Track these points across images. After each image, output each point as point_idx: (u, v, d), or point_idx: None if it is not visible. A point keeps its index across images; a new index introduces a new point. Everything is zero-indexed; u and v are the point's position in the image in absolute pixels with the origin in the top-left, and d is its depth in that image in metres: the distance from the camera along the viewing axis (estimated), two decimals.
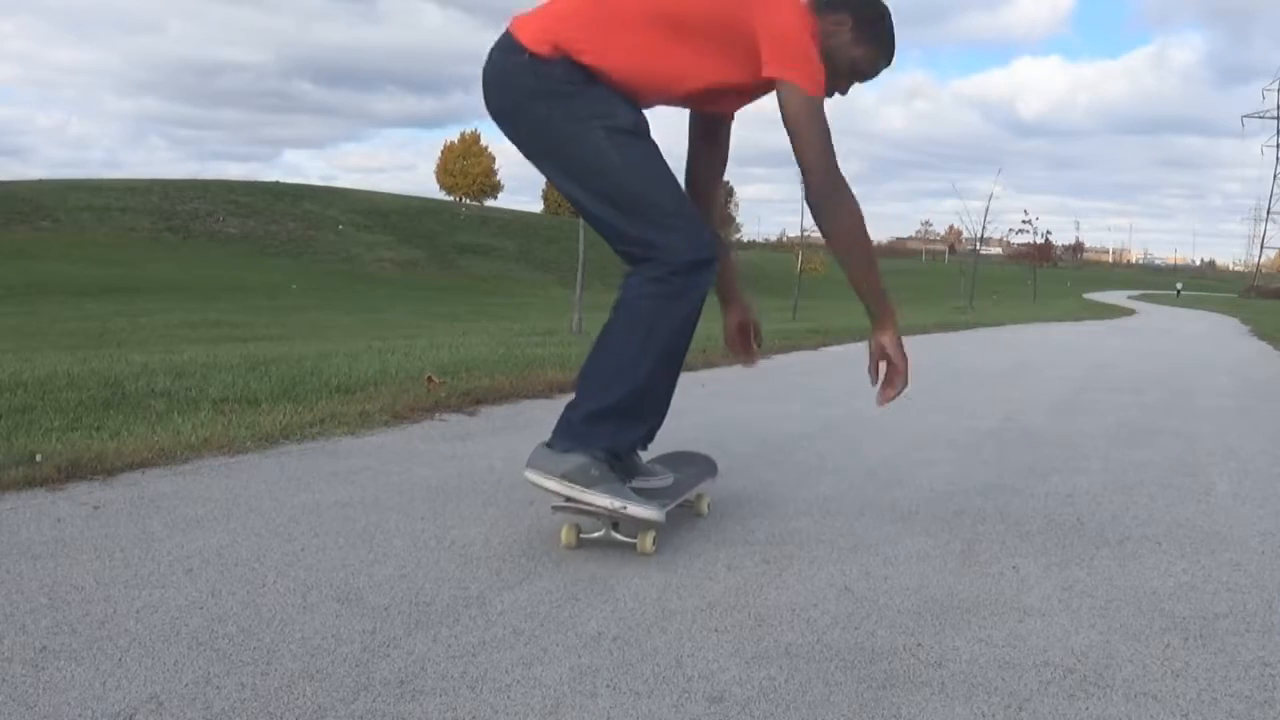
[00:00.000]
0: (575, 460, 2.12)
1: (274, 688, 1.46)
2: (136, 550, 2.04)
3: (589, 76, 2.12)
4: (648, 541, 2.15)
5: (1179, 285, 74.37)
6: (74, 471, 2.56)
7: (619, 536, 2.18)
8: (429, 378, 4.37)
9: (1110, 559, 2.26)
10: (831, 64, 2.18)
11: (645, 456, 2.39)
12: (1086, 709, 1.49)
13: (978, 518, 2.58)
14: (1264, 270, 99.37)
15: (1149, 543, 2.41)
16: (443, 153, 75.12)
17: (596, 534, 2.19)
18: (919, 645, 1.71)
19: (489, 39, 2.27)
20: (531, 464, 2.16)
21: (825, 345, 8.56)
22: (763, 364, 6.84)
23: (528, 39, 2.14)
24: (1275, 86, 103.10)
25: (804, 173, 2.10)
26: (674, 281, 2.11)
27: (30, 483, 2.47)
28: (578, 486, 2.10)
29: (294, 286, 32.49)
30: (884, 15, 2.28)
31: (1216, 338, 14.80)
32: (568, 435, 2.17)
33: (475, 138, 75.29)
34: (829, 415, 4.33)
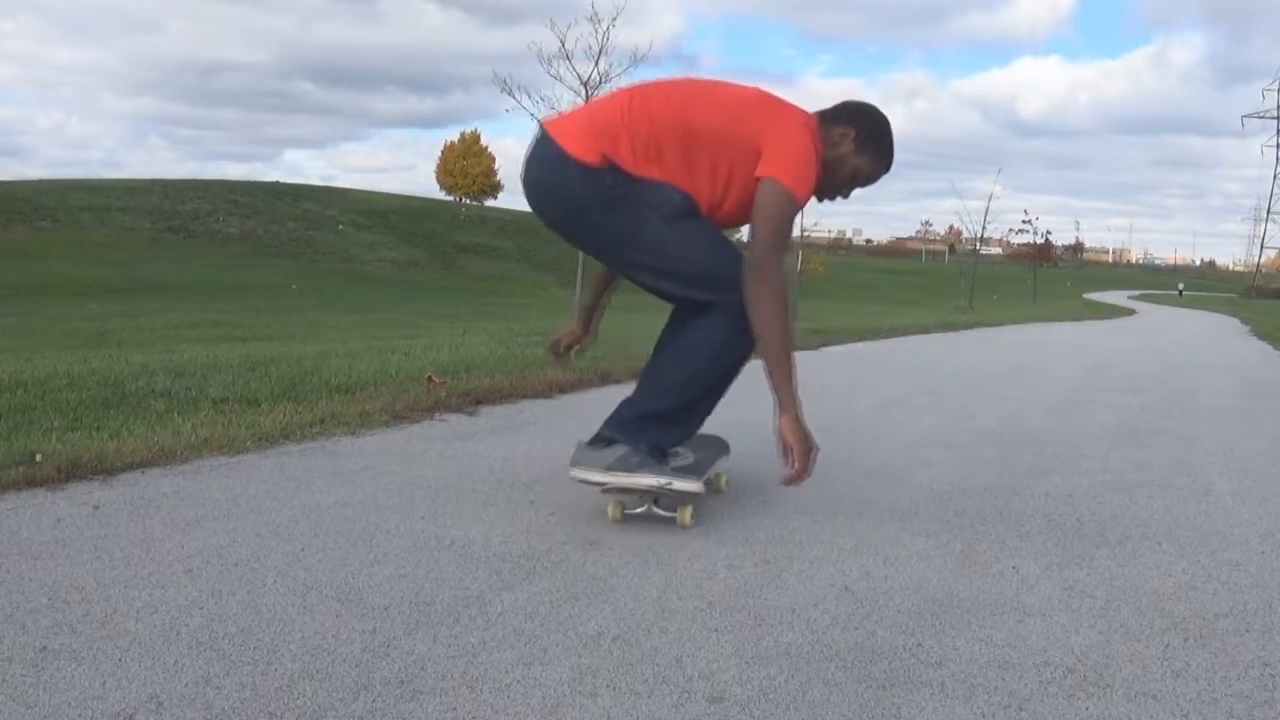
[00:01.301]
0: (617, 452, 2.37)
1: (274, 688, 1.46)
2: (136, 550, 2.04)
3: (634, 179, 2.31)
4: (686, 515, 2.41)
5: (1181, 285, 74.32)
6: (74, 471, 2.56)
7: (660, 511, 2.42)
8: (429, 378, 4.37)
9: (1110, 559, 2.26)
10: (835, 171, 2.42)
11: None
12: (1086, 709, 1.49)
13: (978, 518, 2.58)
14: (1264, 270, 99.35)
15: (1149, 543, 2.41)
16: (443, 153, 75.06)
17: (640, 509, 2.43)
18: (919, 645, 1.71)
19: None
20: (576, 463, 2.40)
21: (825, 345, 8.56)
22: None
23: (576, 150, 2.30)
24: (1275, 86, 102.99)
25: (751, 246, 2.28)
26: (740, 325, 2.34)
27: (30, 483, 2.47)
28: (623, 474, 2.35)
29: (294, 286, 32.48)
30: (885, 129, 2.48)
31: (1216, 338, 14.80)
32: (617, 427, 2.42)
33: (475, 138, 75.24)
34: (829, 415, 4.33)
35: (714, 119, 2.31)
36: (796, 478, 2.29)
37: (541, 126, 2.43)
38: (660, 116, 2.31)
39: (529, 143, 2.45)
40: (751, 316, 2.29)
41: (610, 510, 2.42)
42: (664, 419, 2.42)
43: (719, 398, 2.51)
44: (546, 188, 2.38)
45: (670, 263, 2.34)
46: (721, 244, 2.37)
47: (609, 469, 2.35)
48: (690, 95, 2.37)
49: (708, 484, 2.52)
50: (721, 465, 2.65)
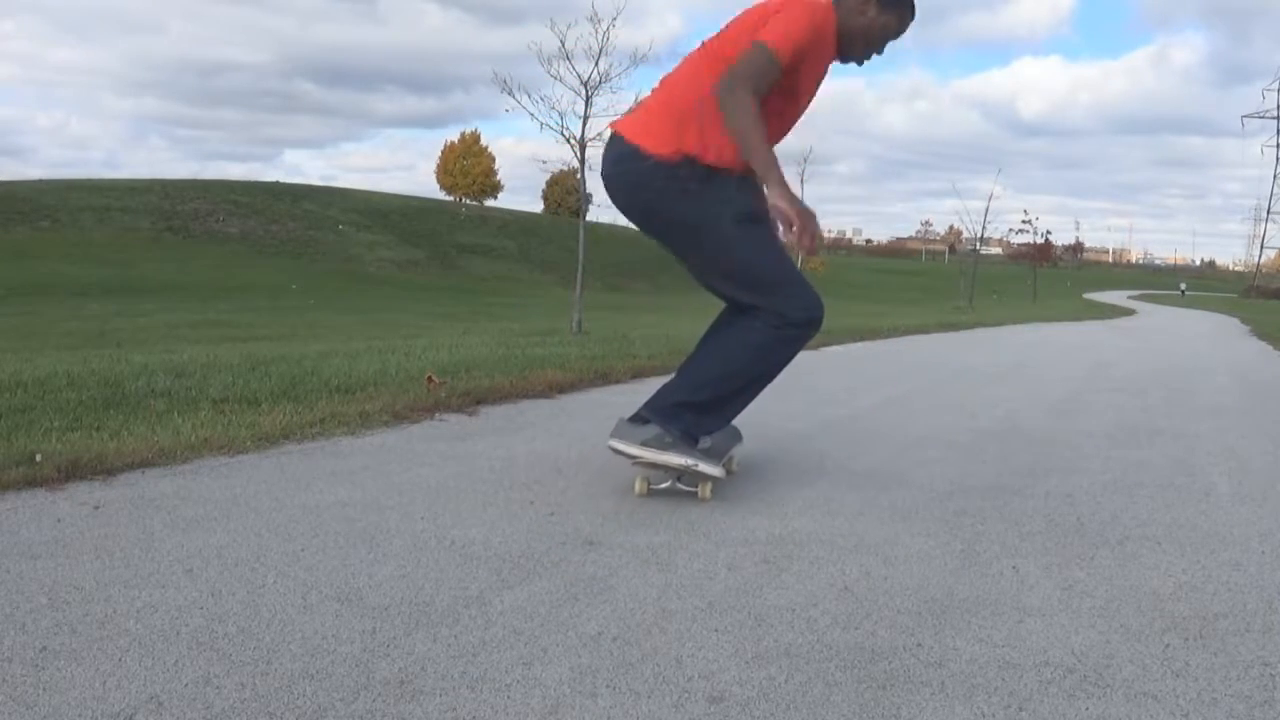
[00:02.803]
0: (652, 430, 2.58)
1: (274, 688, 1.46)
2: (136, 550, 2.04)
3: (710, 172, 2.47)
4: (706, 490, 2.63)
5: (1183, 285, 74.27)
6: (74, 471, 2.56)
7: (683, 486, 2.65)
8: (429, 378, 4.37)
9: (1110, 559, 2.26)
10: (867, 36, 2.59)
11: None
12: (1086, 709, 1.49)
13: (978, 518, 2.58)
14: (1264, 270, 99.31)
15: (1149, 543, 2.41)
16: (443, 153, 75.02)
17: (664, 485, 2.66)
18: (919, 645, 1.71)
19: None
20: (615, 434, 2.63)
21: (825, 345, 8.56)
22: None
23: (652, 145, 2.48)
24: (1275, 86, 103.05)
25: (728, 73, 2.41)
26: (788, 331, 2.57)
27: (30, 483, 2.47)
28: (655, 450, 2.57)
29: (294, 286, 32.47)
30: None
31: (1216, 338, 14.80)
32: (654, 410, 2.62)
33: (475, 138, 75.21)
34: (829, 415, 4.33)
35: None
36: (807, 243, 2.38)
37: (612, 129, 2.61)
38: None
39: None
40: (728, 126, 2.40)
41: (637, 485, 2.66)
42: (698, 409, 2.60)
43: (754, 397, 2.68)
44: (623, 180, 2.56)
45: (729, 263, 2.53)
46: (778, 256, 2.57)
47: (644, 444, 2.57)
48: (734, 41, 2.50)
49: (724, 465, 2.72)
50: (735, 450, 2.88)
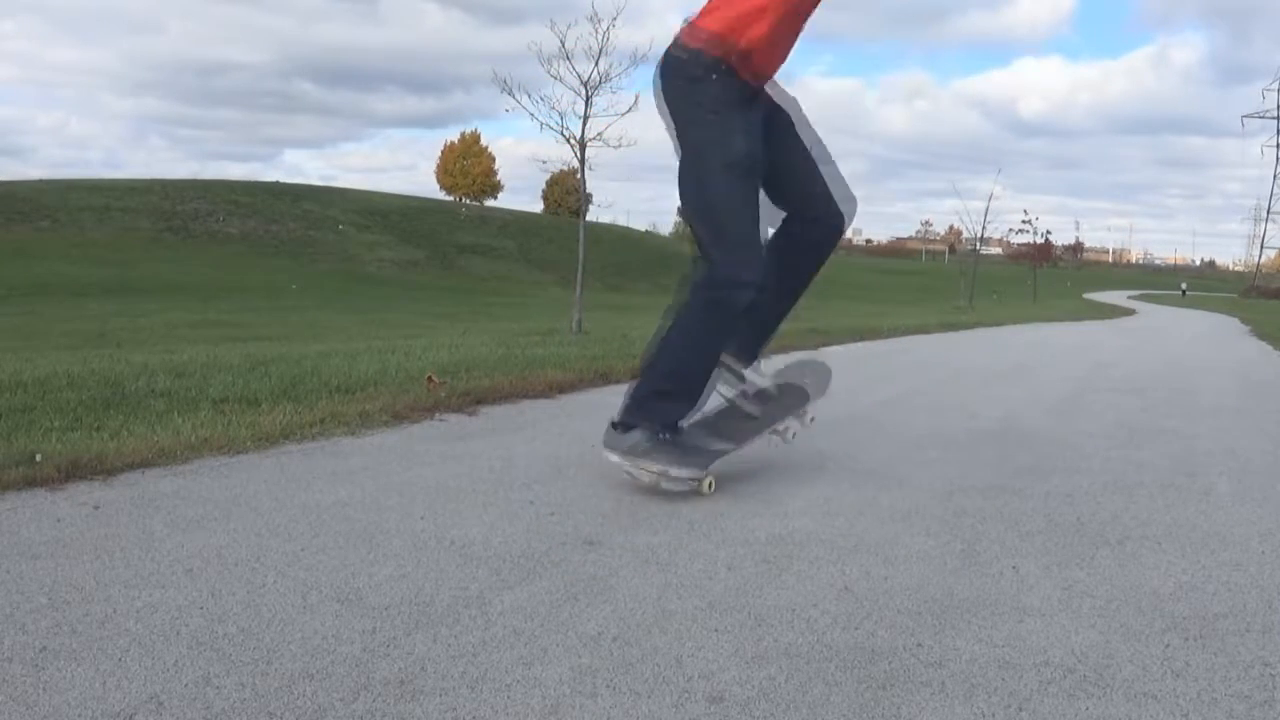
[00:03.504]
0: (631, 438, 2.65)
1: (274, 688, 1.46)
2: (136, 550, 2.04)
3: (734, 95, 2.53)
4: (705, 486, 2.69)
5: (1184, 285, 74.27)
6: (74, 471, 2.56)
7: (670, 488, 2.66)
8: (429, 378, 4.37)
9: (1110, 559, 2.26)
10: None
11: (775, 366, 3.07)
12: (1086, 709, 1.49)
13: (978, 518, 2.58)
14: (1264, 270, 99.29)
15: (1149, 543, 2.41)
16: (443, 153, 75.05)
17: (674, 487, 2.67)
18: (919, 645, 1.71)
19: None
20: (605, 444, 2.71)
21: (825, 345, 8.56)
22: (763, 364, 6.83)
23: (707, 24, 2.54)
24: (1275, 86, 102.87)
25: None
26: (713, 293, 2.58)
27: (30, 483, 2.47)
28: (630, 459, 2.65)
29: (294, 286, 32.47)
30: None
31: (1216, 338, 14.80)
32: (632, 409, 2.70)
33: (475, 138, 75.24)
34: (828, 415, 4.33)
35: None
36: None
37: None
38: None
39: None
40: None
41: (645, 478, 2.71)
42: (666, 396, 2.69)
43: (704, 365, 2.74)
44: (667, 67, 2.61)
45: (699, 198, 2.60)
46: (744, 215, 2.58)
47: (624, 454, 2.65)
48: None
49: (775, 434, 2.88)
50: (790, 420, 2.94)
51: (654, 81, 2.66)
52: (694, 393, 2.73)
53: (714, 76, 2.52)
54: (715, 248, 2.59)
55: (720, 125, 2.55)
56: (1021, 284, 49.03)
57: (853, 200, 2.82)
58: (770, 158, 2.63)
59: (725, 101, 2.54)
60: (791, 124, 2.73)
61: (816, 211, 2.79)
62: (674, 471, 2.62)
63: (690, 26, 2.59)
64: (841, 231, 2.84)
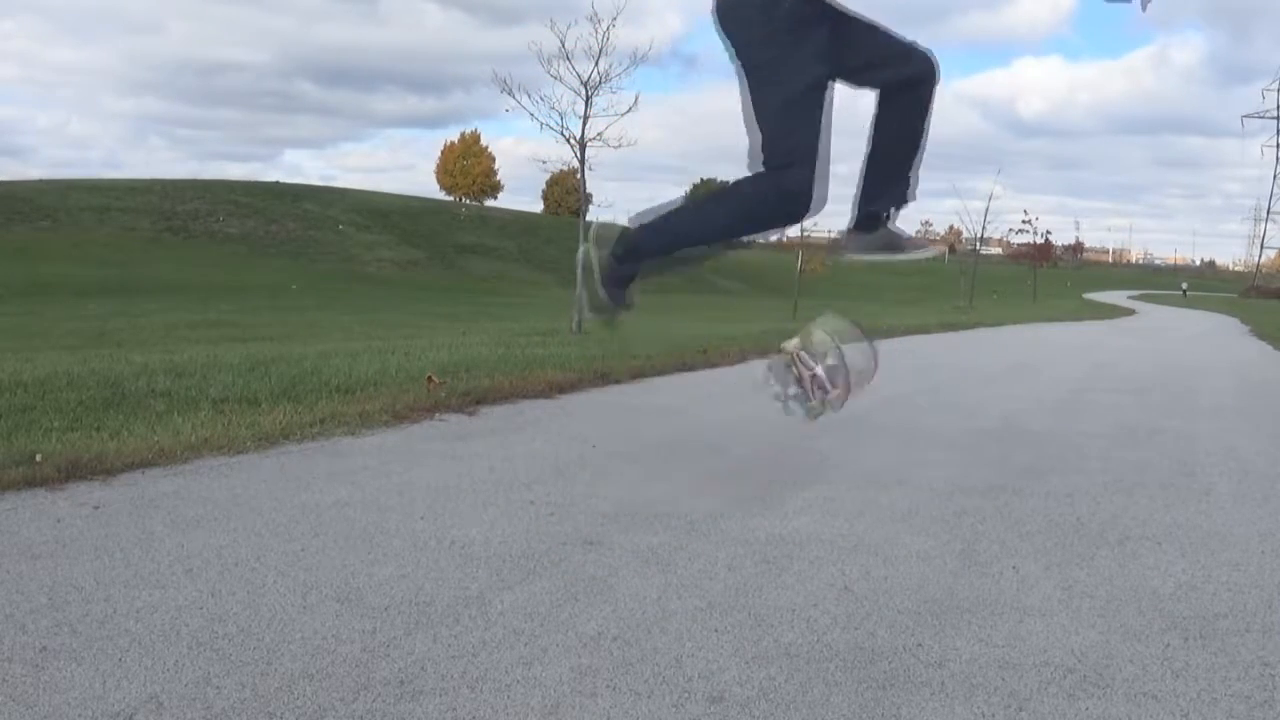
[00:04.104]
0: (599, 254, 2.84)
1: (274, 688, 1.46)
2: (136, 550, 2.04)
3: (810, 15, 2.51)
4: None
5: (1184, 285, 74.25)
6: (74, 471, 2.56)
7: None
8: (429, 378, 4.37)
9: (1110, 559, 2.26)
10: None
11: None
12: (1086, 709, 1.49)
13: (978, 518, 2.58)
14: (1264, 270, 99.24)
15: (1149, 543, 2.41)
16: (443, 153, 75.03)
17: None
18: (919, 645, 1.71)
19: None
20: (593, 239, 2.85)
21: None
22: (763, 364, 6.83)
23: None
24: (1275, 86, 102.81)
25: None
26: (777, 195, 2.57)
27: (30, 483, 2.47)
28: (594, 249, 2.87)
29: (294, 286, 32.46)
30: None
31: (1216, 338, 14.80)
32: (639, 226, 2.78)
33: (475, 138, 75.22)
34: (828, 415, 4.32)
35: None
36: None
37: None
38: None
39: None
40: None
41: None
42: (650, 229, 2.78)
43: (707, 242, 2.86)
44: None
45: (770, 119, 2.55)
46: (814, 134, 2.56)
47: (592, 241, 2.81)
48: None
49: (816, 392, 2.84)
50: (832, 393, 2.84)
51: (717, 4, 2.64)
52: (669, 247, 2.82)
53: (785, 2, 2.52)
54: (788, 166, 2.56)
55: (796, 45, 2.55)
56: (1021, 284, 49.00)
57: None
58: (845, 55, 2.64)
59: (801, 19, 2.53)
60: (846, 14, 2.70)
61: (900, 61, 2.77)
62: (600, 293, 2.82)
63: None
64: (932, 66, 2.81)
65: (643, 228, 2.78)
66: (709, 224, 2.76)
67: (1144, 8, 2.62)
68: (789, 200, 2.59)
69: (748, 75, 2.61)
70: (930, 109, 2.84)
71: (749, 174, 2.61)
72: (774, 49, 2.57)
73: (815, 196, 2.58)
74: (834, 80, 2.63)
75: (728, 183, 2.71)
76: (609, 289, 2.83)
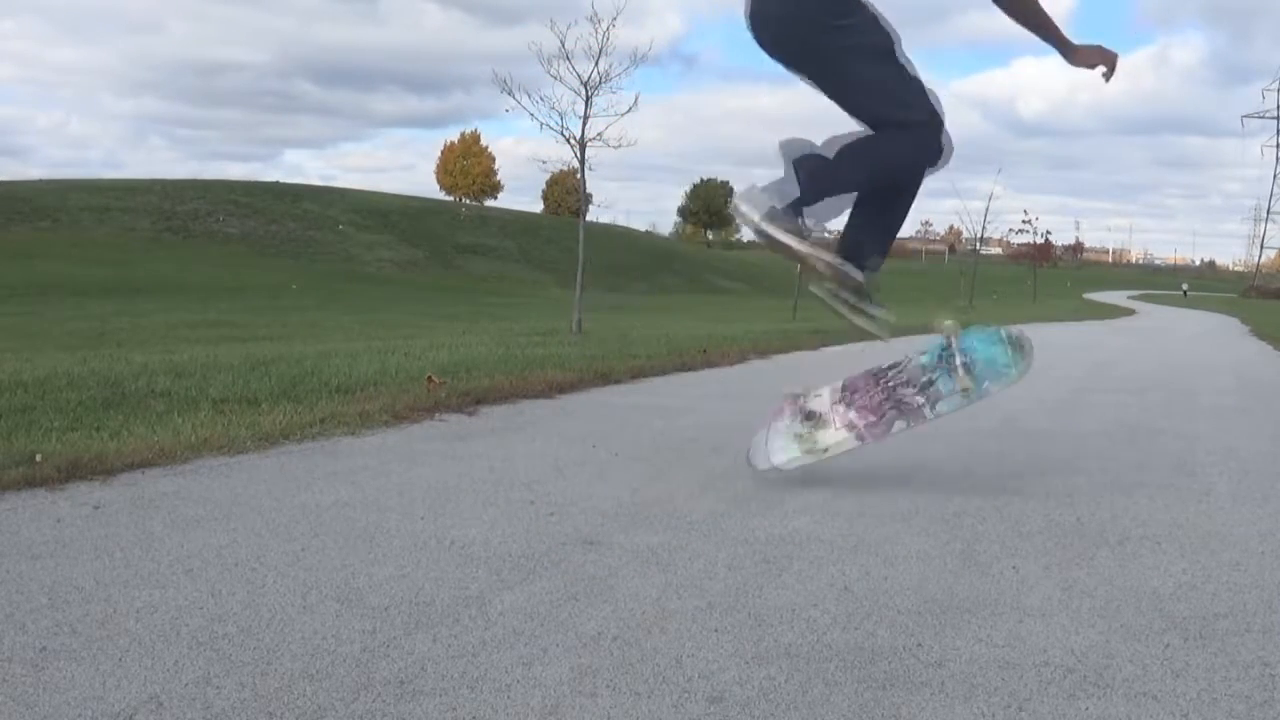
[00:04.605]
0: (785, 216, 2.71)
1: (274, 688, 1.46)
2: (136, 550, 2.04)
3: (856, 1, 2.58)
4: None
5: (1185, 286, 74.28)
6: (74, 471, 2.56)
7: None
8: (429, 378, 4.37)
9: (1110, 559, 2.26)
10: None
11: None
12: (1086, 709, 1.49)
13: (978, 518, 2.58)
14: (1264, 270, 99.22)
15: (1149, 543, 2.41)
16: (443, 153, 75.09)
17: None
18: (919, 645, 1.71)
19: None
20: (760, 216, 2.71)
21: (825, 345, 8.56)
22: (763, 364, 6.84)
23: None
24: (1275, 86, 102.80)
25: None
26: (924, 133, 2.67)
27: (30, 483, 2.47)
28: (775, 227, 2.70)
29: (294, 286, 32.47)
30: None
31: (1216, 338, 14.80)
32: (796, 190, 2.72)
33: (475, 138, 75.26)
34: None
35: None
36: (1113, 67, 2.76)
37: None
38: None
39: None
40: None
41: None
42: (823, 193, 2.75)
43: (854, 183, 2.81)
44: (775, 8, 2.64)
45: (877, 89, 2.64)
46: (914, 81, 2.67)
47: (767, 218, 2.68)
48: None
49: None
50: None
51: (760, 10, 2.65)
52: (827, 191, 2.77)
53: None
54: (911, 107, 2.65)
55: (861, 25, 2.60)
56: (1021, 284, 49.02)
57: None
58: None
59: (852, 4, 2.59)
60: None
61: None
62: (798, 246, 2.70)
63: None
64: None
65: (805, 178, 2.73)
66: (857, 173, 2.75)
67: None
68: (927, 152, 2.71)
69: (834, 60, 2.64)
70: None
71: (897, 128, 2.67)
72: (850, 34, 2.60)
73: (946, 148, 2.71)
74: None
75: (867, 135, 2.73)
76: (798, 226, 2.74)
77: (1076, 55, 2.76)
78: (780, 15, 2.65)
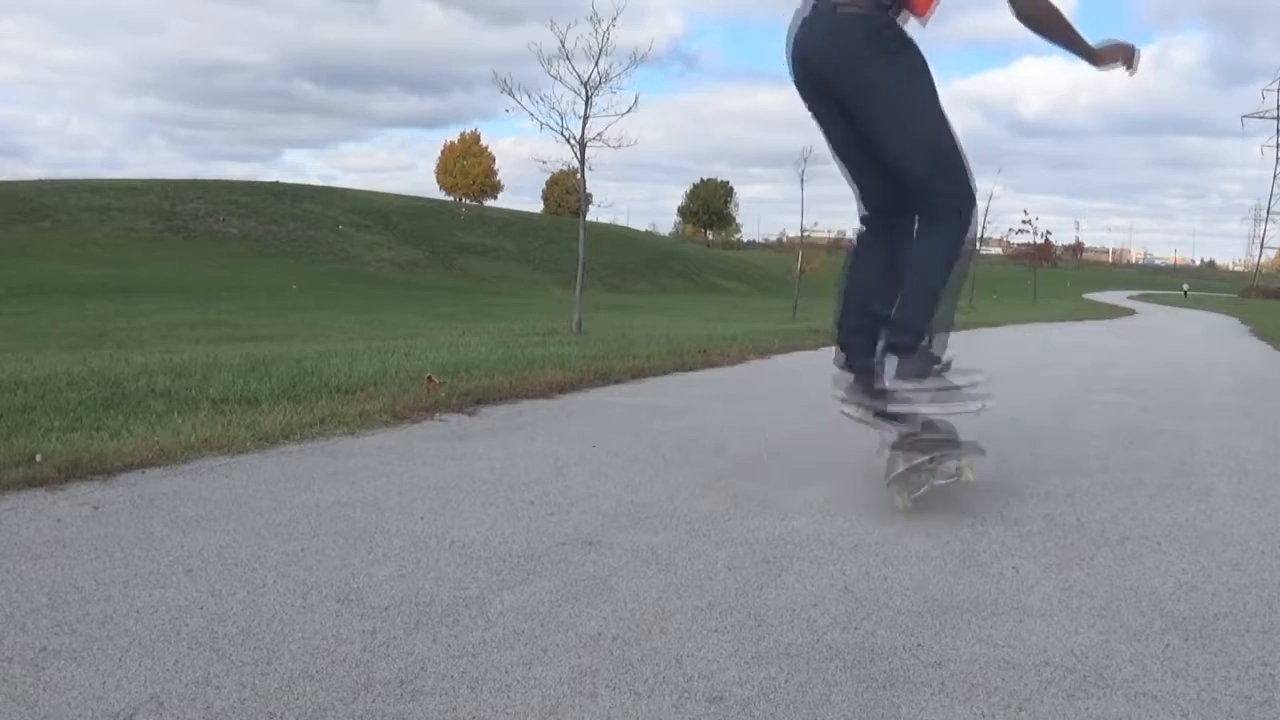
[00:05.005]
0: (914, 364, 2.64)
1: (274, 688, 1.46)
2: (136, 550, 2.04)
3: (905, 37, 2.59)
4: (969, 472, 2.66)
5: (1186, 286, 74.35)
6: (74, 471, 2.56)
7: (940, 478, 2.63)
8: (429, 378, 4.37)
9: (1110, 559, 2.26)
10: None
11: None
12: (1086, 709, 1.49)
13: (978, 518, 2.58)
14: (1264, 270, 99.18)
15: (1149, 543, 2.41)
16: (443, 153, 75.08)
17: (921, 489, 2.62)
18: (919, 645, 1.71)
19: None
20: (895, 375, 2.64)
21: (825, 345, 8.55)
22: (763, 364, 6.84)
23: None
24: (1275, 86, 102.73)
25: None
26: (967, 208, 2.66)
27: (30, 483, 2.47)
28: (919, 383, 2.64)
29: (294, 286, 32.47)
30: None
31: (1216, 338, 14.80)
32: (909, 334, 2.65)
33: (475, 138, 75.26)
34: (829, 416, 4.32)
35: None
36: (1132, 60, 2.75)
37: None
38: None
39: (793, 22, 2.68)
40: (1037, 11, 2.64)
41: (898, 501, 2.61)
42: (930, 316, 2.69)
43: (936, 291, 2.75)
44: (822, 39, 2.61)
45: (922, 131, 2.62)
46: (952, 131, 2.68)
47: (909, 379, 2.60)
48: None
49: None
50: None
51: (811, 42, 2.62)
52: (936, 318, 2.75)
53: (892, 20, 2.57)
54: (948, 173, 2.64)
55: (912, 58, 2.61)
56: (1021, 284, 49.04)
57: None
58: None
59: (905, 41, 2.60)
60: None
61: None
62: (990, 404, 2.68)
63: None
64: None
65: (910, 320, 2.67)
66: (939, 277, 2.70)
67: None
68: (972, 225, 2.71)
69: (881, 105, 2.61)
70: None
71: (926, 218, 2.67)
72: (899, 69, 2.60)
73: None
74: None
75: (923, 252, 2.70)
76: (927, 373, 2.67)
77: (1100, 59, 2.75)
78: (833, 46, 2.61)
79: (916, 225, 2.71)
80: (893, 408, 2.65)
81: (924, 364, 2.64)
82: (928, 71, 2.62)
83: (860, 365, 2.81)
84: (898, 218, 2.76)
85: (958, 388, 2.66)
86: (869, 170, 2.76)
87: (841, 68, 2.61)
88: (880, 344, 2.72)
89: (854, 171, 2.80)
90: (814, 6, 2.62)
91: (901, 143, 2.63)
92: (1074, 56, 2.74)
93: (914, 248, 2.71)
